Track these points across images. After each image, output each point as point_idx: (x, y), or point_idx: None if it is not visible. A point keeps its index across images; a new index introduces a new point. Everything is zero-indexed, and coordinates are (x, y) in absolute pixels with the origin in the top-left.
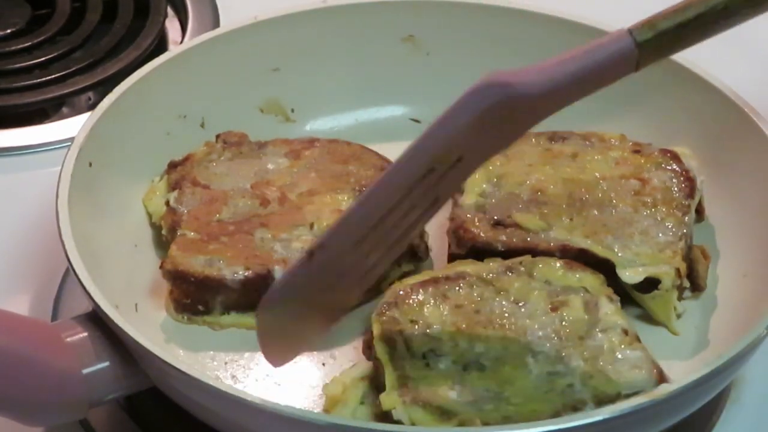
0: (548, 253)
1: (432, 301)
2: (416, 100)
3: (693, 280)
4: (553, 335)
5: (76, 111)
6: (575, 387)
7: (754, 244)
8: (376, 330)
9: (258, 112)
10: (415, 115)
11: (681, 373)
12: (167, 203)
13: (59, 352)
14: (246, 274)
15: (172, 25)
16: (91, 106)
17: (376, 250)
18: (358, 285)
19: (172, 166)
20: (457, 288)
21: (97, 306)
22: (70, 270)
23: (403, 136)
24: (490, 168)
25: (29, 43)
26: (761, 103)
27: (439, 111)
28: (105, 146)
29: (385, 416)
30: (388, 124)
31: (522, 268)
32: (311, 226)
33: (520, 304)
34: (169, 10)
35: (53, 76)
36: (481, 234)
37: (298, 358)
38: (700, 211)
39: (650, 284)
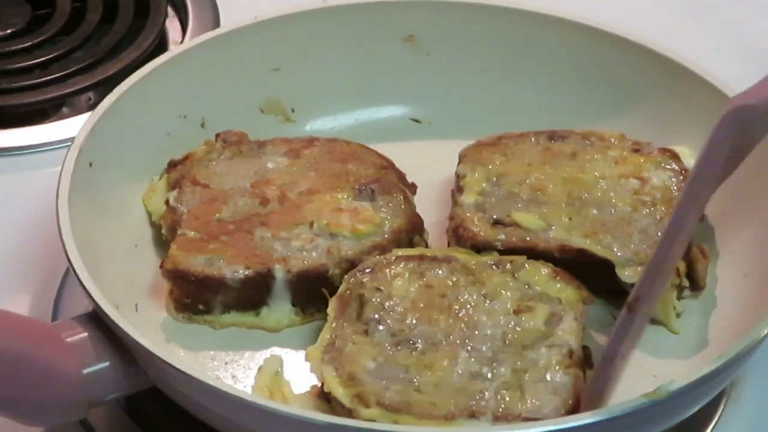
0: (547, 253)
1: (406, 276)
2: (416, 100)
3: (692, 280)
4: (499, 337)
5: (76, 111)
6: (486, 395)
7: (754, 244)
8: (341, 288)
9: (258, 112)
10: (415, 115)
11: (681, 372)
12: (167, 202)
13: (59, 352)
14: (246, 273)
15: (172, 25)
16: (91, 106)
17: None
18: None
19: (172, 165)
20: (438, 270)
21: (97, 306)
22: (70, 270)
23: (403, 136)
24: (490, 167)
25: (29, 43)
26: None
27: (439, 111)
28: (105, 146)
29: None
30: (388, 124)
31: (509, 266)
32: (311, 224)
33: (487, 300)
34: (170, 10)
35: (53, 76)
36: (481, 233)
37: (298, 359)
38: None
39: None
